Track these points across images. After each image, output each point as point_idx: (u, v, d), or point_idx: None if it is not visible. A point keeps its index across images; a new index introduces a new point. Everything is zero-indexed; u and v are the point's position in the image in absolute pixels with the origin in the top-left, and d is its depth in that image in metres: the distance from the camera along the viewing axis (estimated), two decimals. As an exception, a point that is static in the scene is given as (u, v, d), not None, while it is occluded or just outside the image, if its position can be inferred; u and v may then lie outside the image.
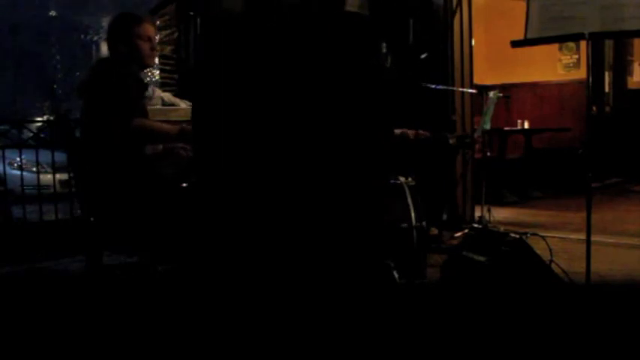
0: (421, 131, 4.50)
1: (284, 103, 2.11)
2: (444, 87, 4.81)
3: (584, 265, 2.78)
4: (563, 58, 7.71)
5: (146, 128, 2.80)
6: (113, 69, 2.81)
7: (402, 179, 3.34)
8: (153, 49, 2.91)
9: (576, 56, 7.62)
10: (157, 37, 3.75)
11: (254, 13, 2.03)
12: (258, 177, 2.24)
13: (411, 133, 4.49)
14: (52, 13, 19.89)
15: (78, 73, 18.73)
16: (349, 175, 2.22)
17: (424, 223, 3.22)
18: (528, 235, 3.31)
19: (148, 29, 2.88)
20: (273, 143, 2.17)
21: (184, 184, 2.74)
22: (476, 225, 4.61)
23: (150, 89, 3.64)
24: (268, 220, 2.43)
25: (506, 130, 6.73)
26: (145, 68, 3.02)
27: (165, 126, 2.90)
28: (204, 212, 2.56)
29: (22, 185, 5.00)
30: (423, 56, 3.41)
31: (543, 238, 3.41)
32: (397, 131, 4.55)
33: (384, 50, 1.98)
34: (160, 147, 3.03)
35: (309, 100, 2.09)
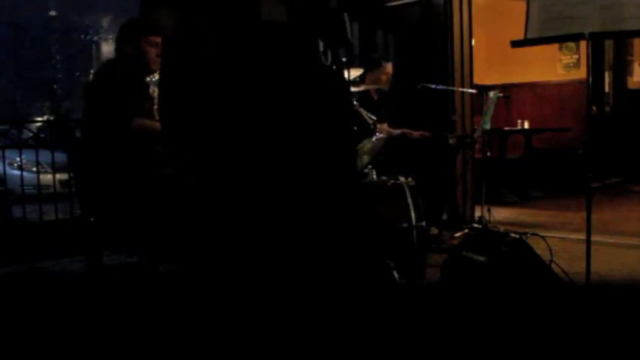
0: (416, 132, 4.53)
1: (218, 113, 2.12)
2: (444, 87, 4.82)
3: (584, 265, 2.78)
4: (563, 58, 7.72)
5: (146, 128, 2.80)
6: (116, 70, 2.81)
7: (402, 179, 3.34)
8: (159, 55, 2.90)
9: (576, 56, 7.62)
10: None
11: (179, 32, 2.06)
12: (245, 179, 2.25)
13: (415, 133, 4.51)
14: (52, 13, 19.87)
15: (78, 73, 18.71)
16: (308, 175, 2.22)
17: (424, 223, 3.22)
18: (528, 235, 3.31)
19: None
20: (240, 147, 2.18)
21: (184, 184, 2.74)
22: (476, 225, 4.60)
23: (150, 89, 3.64)
24: (265, 221, 2.43)
25: (506, 130, 6.73)
26: (150, 73, 3.02)
27: None
28: (203, 213, 2.56)
29: (22, 185, 5.00)
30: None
31: (543, 238, 3.41)
32: (398, 131, 4.57)
33: (322, 49, 1.98)
34: (161, 147, 3.03)
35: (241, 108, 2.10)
